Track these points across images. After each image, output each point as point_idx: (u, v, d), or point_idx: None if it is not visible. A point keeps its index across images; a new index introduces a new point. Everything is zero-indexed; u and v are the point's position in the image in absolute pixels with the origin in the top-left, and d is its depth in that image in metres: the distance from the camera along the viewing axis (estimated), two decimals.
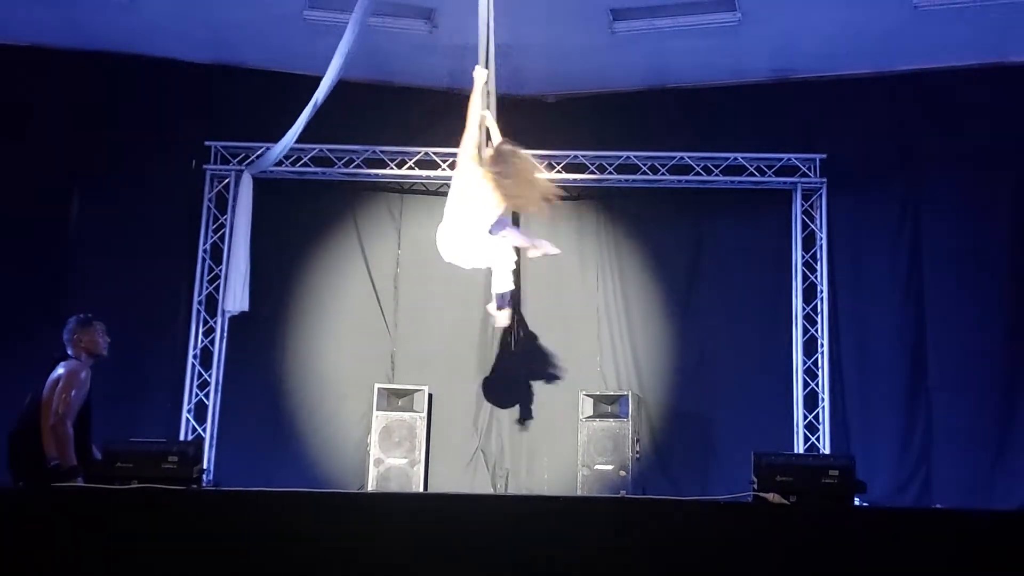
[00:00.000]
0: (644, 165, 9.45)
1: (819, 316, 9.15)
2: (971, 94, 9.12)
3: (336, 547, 4.30)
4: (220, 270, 9.28)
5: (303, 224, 9.68)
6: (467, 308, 9.40)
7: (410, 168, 9.49)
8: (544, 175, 6.32)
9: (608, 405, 8.99)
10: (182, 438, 8.80)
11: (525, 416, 9.48)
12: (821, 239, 9.25)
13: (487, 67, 6.56)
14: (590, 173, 9.52)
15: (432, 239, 6.34)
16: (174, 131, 9.47)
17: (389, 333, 9.61)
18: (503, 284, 6.61)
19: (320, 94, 7.43)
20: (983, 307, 8.84)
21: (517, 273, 8.67)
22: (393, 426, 8.89)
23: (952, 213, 9.09)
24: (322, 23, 8.59)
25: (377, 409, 8.92)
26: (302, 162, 9.38)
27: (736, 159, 9.36)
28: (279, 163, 9.09)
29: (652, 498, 6.50)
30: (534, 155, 9.22)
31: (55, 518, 4.35)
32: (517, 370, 9.52)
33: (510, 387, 9.51)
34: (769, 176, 9.35)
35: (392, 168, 9.50)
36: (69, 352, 6.06)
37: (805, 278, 9.25)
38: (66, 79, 9.32)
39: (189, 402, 9.11)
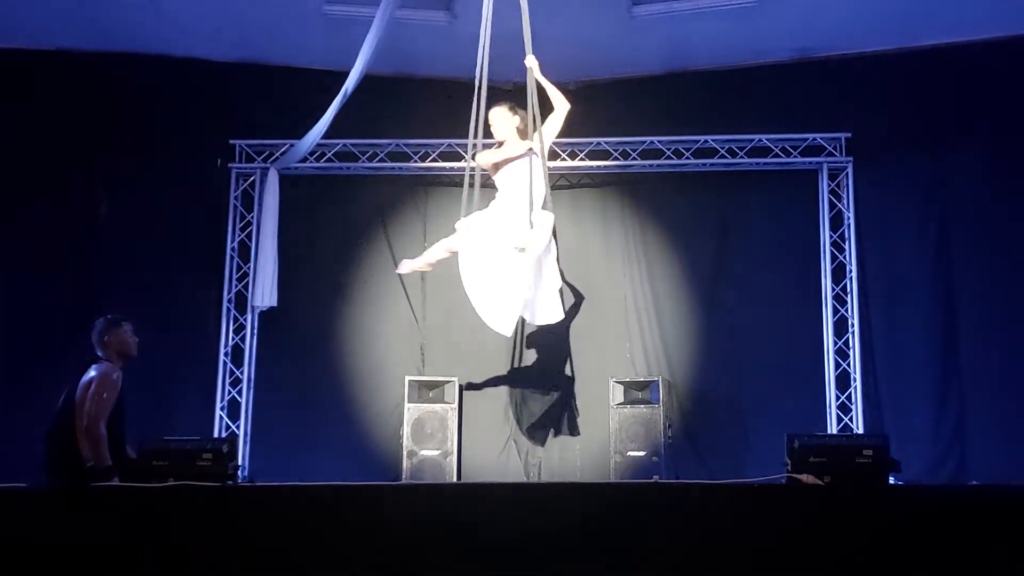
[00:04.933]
0: (668, 150, 9.42)
1: (849, 296, 9.09)
2: (996, 67, 8.99)
3: (372, 539, 4.33)
4: (248, 268, 9.33)
5: (330, 220, 9.70)
6: None
7: (434, 160, 9.48)
8: None
9: (638, 391, 8.96)
10: (216, 435, 8.86)
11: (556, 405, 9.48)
12: (849, 218, 9.19)
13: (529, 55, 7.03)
14: (614, 159, 9.49)
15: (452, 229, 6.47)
16: (198, 130, 9.50)
17: (418, 326, 9.60)
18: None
19: (350, 83, 7.45)
20: (1014, 281, 8.73)
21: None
22: (425, 418, 8.91)
23: (980, 187, 8.99)
24: (341, 17, 8.61)
25: (408, 401, 8.94)
26: (326, 158, 9.40)
27: (761, 140, 9.31)
28: (303, 160, 9.12)
29: (686, 482, 6.49)
30: (556, 143, 9.33)
31: (92, 516, 4.40)
32: (545, 360, 9.51)
33: (540, 376, 9.51)
34: (794, 156, 9.30)
35: (416, 161, 9.51)
36: (99, 354, 6.04)
37: (834, 258, 9.19)
38: (89, 81, 9.35)
39: (222, 399, 9.17)
